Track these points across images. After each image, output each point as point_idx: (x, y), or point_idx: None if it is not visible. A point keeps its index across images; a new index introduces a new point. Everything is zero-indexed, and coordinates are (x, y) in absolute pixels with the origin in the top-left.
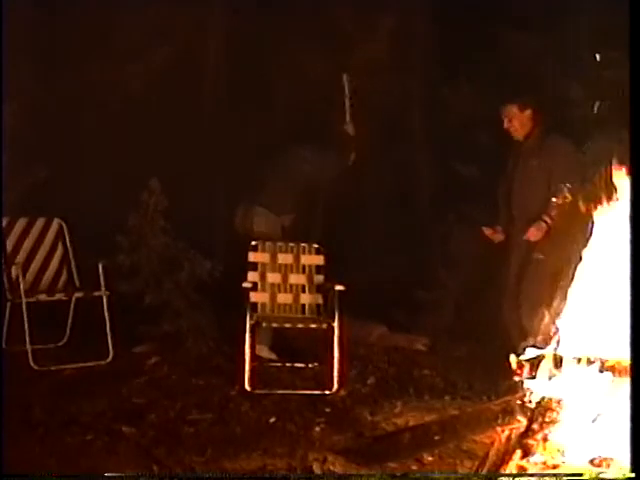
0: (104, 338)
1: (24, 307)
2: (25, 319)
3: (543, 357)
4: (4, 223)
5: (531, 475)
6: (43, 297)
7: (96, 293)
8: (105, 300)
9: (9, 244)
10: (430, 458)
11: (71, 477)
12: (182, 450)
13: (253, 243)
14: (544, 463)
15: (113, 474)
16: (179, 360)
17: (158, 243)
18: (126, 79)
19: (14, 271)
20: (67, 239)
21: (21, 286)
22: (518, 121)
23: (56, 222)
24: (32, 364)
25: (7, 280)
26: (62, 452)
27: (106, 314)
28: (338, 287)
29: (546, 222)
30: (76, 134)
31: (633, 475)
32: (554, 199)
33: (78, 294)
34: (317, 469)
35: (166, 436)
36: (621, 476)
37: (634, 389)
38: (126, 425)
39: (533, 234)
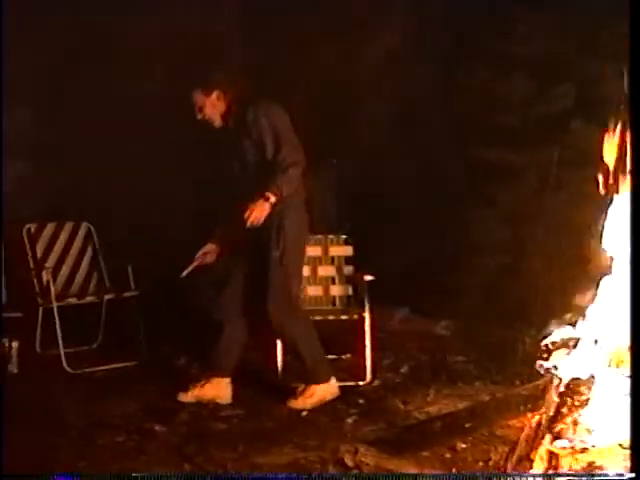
0: (136, 339)
1: (55, 311)
2: (57, 323)
3: (572, 339)
4: (32, 230)
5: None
6: (74, 300)
7: (126, 294)
8: (135, 301)
9: (39, 249)
10: (463, 445)
11: (73, 476)
12: (213, 447)
13: None
14: (573, 447)
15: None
16: None
17: (184, 242)
18: (143, 78)
19: (45, 276)
20: (95, 241)
21: (52, 291)
22: (209, 107)
23: (84, 225)
24: (66, 367)
25: (38, 285)
26: (93, 454)
27: (137, 315)
28: (367, 277)
29: (268, 199)
30: (96, 136)
31: (633, 475)
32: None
33: (108, 296)
34: (349, 461)
35: (197, 434)
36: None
37: (634, 388)
38: (157, 424)
39: (253, 217)
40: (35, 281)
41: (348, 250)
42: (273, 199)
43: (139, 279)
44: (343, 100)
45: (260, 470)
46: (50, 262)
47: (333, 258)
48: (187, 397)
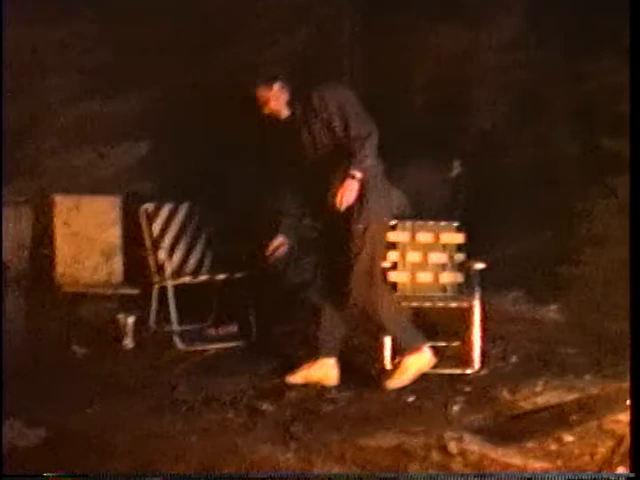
0: (246, 319)
1: (170, 289)
2: (171, 301)
3: None
4: (150, 209)
5: None
6: (188, 279)
7: (238, 275)
8: (247, 282)
9: (156, 229)
10: (570, 438)
11: (71, 476)
12: (319, 427)
13: (392, 223)
14: None
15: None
16: None
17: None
18: (262, 63)
19: (160, 255)
20: (210, 223)
21: (167, 269)
22: (273, 100)
23: (200, 207)
24: (178, 344)
25: (154, 264)
26: (203, 428)
27: (248, 295)
28: (478, 265)
29: (354, 177)
30: (217, 120)
31: (633, 475)
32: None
33: (221, 276)
34: (453, 448)
35: (304, 414)
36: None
37: (634, 389)
38: (265, 403)
39: (345, 198)
40: (151, 259)
41: (460, 237)
42: (359, 175)
43: (251, 260)
44: (462, 89)
45: (363, 452)
46: (166, 242)
47: (445, 245)
48: (295, 378)
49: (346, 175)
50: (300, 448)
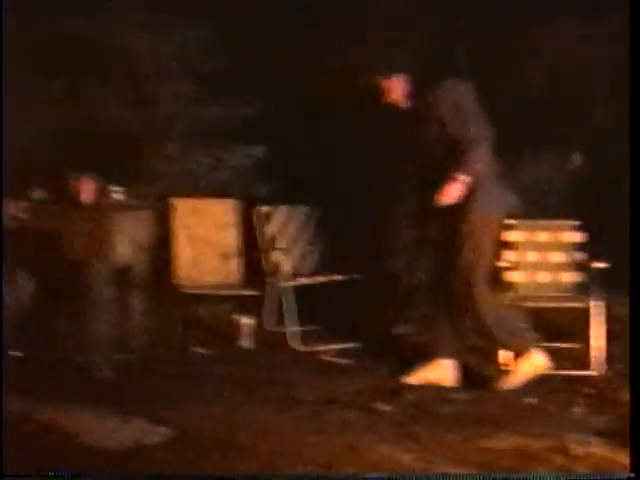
0: (362, 320)
1: (287, 291)
2: (288, 302)
3: None
4: (266, 211)
5: None
6: (305, 281)
7: (355, 276)
8: (362, 283)
9: (272, 231)
10: None
11: (73, 476)
12: (439, 428)
13: (511, 222)
14: None
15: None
16: None
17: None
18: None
19: (278, 257)
20: (327, 224)
21: (284, 271)
22: (395, 89)
23: (317, 208)
24: (293, 345)
25: (271, 265)
26: (322, 429)
27: (363, 297)
28: (599, 264)
29: (461, 180)
30: (333, 121)
31: (633, 475)
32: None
33: (338, 277)
34: (575, 451)
35: (424, 414)
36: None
37: (634, 389)
38: (384, 403)
39: (445, 197)
40: (268, 261)
41: (580, 236)
42: (466, 179)
43: (365, 262)
44: (573, 84)
45: (483, 454)
46: (283, 243)
47: (564, 244)
48: (411, 379)
49: (452, 177)
50: (419, 448)
